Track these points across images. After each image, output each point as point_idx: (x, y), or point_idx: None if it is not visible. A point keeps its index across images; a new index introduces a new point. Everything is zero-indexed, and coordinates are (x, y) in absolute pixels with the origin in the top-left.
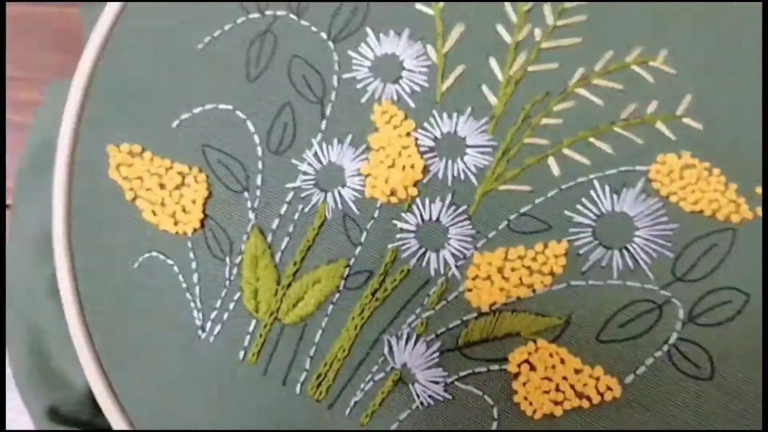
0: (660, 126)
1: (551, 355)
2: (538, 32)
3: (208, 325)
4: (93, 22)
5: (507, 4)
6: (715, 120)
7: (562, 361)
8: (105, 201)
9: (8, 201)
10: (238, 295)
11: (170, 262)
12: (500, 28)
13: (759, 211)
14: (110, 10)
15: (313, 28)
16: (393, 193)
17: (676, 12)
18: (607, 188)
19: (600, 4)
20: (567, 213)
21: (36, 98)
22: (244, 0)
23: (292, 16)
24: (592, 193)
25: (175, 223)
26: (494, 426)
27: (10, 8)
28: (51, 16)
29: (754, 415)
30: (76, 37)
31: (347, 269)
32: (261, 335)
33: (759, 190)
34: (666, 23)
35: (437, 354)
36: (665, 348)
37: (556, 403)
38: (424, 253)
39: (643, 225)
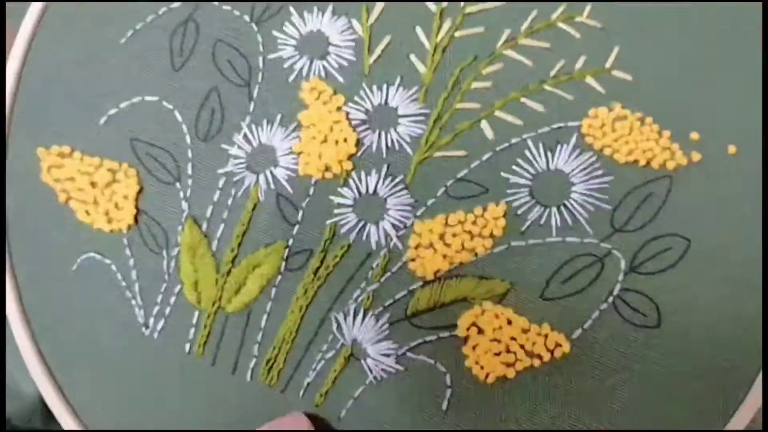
0: (589, 80)
1: (497, 317)
2: None
3: (151, 321)
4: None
5: None
6: (644, 70)
7: (509, 322)
8: (39, 205)
9: None
10: (178, 288)
11: (108, 261)
12: None
13: (694, 156)
14: (32, 11)
15: (235, 12)
16: (327, 168)
17: None
18: (541, 147)
19: None
20: (503, 174)
21: None
22: None
23: (213, 1)
24: (527, 152)
25: (109, 221)
26: (448, 393)
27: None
28: None
29: (702, 360)
30: None
31: (286, 250)
32: (205, 326)
33: (694, 135)
34: None
35: (386, 326)
36: (610, 300)
37: (507, 365)
38: (363, 227)
39: (578, 180)
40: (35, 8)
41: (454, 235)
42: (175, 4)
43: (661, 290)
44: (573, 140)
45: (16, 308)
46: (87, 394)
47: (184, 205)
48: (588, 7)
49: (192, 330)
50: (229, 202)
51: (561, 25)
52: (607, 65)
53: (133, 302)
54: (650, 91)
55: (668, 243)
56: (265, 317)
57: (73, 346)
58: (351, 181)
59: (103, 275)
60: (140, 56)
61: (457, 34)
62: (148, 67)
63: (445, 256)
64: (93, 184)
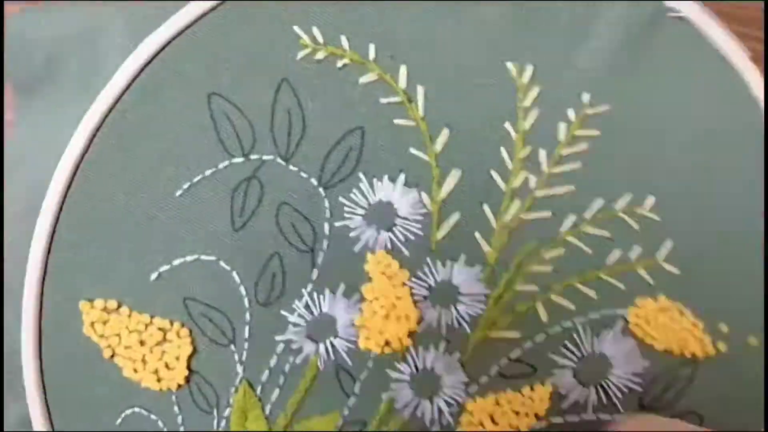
0: (641, 271)
1: None
2: (533, 179)
3: None
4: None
5: (503, 149)
6: (690, 264)
7: None
8: (80, 360)
9: None
10: None
11: (154, 417)
12: (495, 175)
13: (721, 346)
14: (72, 152)
15: (302, 174)
16: (387, 343)
17: (667, 160)
18: (588, 331)
19: (595, 152)
20: (552, 356)
21: None
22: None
23: (279, 160)
24: (575, 336)
25: (158, 380)
26: None
27: (10, 8)
28: None
29: None
30: None
31: (341, 420)
32: None
33: (723, 327)
34: (654, 170)
35: None
36: None
37: None
38: (418, 403)
39: (618, 364)
40: (75, 148)
41: (503, 414)
42: (237, 159)
43: None
44: (618, 326)
45: None
46: None
47: (239, 368)
48: (651, 199)
49: None
50: (286, 368)
51: (622, 215)
52: (661, 258)
53: None
54: (693, 285)
55: (687, 420)
56: None
57: None
58: (409, 356)
59: (149, 429)
60: (197, 212)
61: (524, 216)
62: (206, 224)
63: None
64: (142, 342)
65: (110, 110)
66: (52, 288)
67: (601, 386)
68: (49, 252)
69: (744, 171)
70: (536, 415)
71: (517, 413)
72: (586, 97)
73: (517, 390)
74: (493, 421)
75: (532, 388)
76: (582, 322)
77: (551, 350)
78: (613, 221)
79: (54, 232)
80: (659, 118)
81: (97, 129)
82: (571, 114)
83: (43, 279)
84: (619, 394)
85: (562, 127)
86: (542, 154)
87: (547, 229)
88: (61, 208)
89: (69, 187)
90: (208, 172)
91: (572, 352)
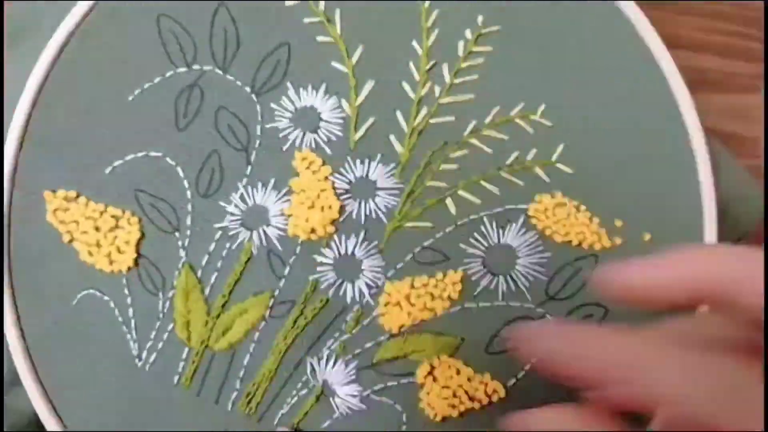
0: (537, 170)
1: (449, 367)
2: (437, 89)
3: (144, 354)
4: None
5: (411, 63)
6: (583, 165)
7: (458, 372)
8: (43, 243)
9: None
10: (171, 326)
11: (106, 298)
12: (405, 85)
13: (617, 240)
14: (42, 63)
15: (238, 82)
16: (313, 231)
17: (554, 71)
18: (494, 224)
19: (490, 65)
20: (462, 246)
21: None
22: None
23: (217, 70)
24: (482, 228)
25: (111, 263)
26: (403, 428)
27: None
28: None
29: None
30: None
31: (272, 300)
32: (193, 361)
33: (618, 222)
34: (545, 82)
35: (354, 371)
36: None
37: (453, 406)
38: (341, 284)
39: (523, 254)
40: (44, 60)
41: (418, 296)
42: (181, 69)
43: None
44: (521, 220)
45: (16, 333)
46: (80, 415)
47: (182, 253)
48: (542, 107)
49: (181, 364)
50: (224, 253)
51: (518, 120)
52: (554, 158)
53: (128, 336)
54: (586, 183)
55: (590, 310)
56: (247, 356)
57: (69, 371)
58: (332, 243)
59: (102, 311)
60: (146, 114)
61: (431, 120)
62: (154, 124)
63: (409, 314)
64: (97, 228)
65: (75, 29)
66: (21, 181)
67: (510, 275)
68: (20, 149)
69: (631, 77)
70: (450, 299)
71: (432, 296)
72: (480, 19)
73: (432, 275)
74: (409, 302)
75: (444, 274)
76: (487, 215)
77: (461, 240)
78: (509, 126)
79: (26, 129)
80: (549, 34)
81: (64, 45)
82: (467, 33)
83: (14, 173)
84: (526, 283)
85: (460, 44)
86: (445, 67)
87: (452, 132)
88: (32, 109)
89: (39, 92)
90: (156, 80)
91: (480, 243)
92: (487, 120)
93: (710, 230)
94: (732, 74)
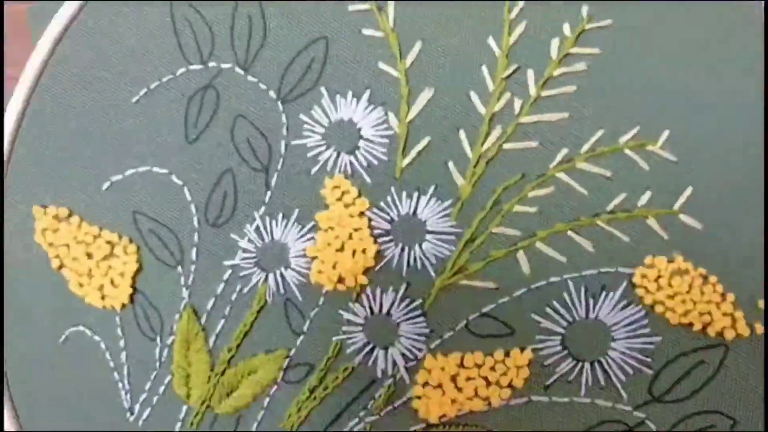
0: (651, 222)
1: None
2: (517, 103)
3: (137, 408)
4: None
5: (484, 66)
6: (717, 220)
7: None
8: (32, 266)
9: None
10: (168, 378)
11: (97, 338)
12: (474, 96)
13: (759, 327)
14: (37, 55)
15: (261, 85)
16: (341, 280)
17: (684, 89)
18: (582, 291)
19: (594, 73)
20: (534, 317)
21: None
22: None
23: (237, 69)
24: (566, 295)
25: (102, 297)
26: None
27: (10, 7)
28: None
29: None
30: None
31: (287, 360)
32: (192, 423)
33: (761, 303)
34: (670, 102)
35: None
36: None
37: None
38: (371, 350)
39: (620, 336)
40: (40, 52)
41: (468, 379)
42: (195, 66)
43: None
44: (621, 289)
45: None
46: None
47: (185, 292)
48: (664, 134)
49: (178, 425)
50: (233, 297)
51: (628, 151)
52: (676, 207)
53: (120, 385)
54: (721, 245)
55: (712, 420)
56: (255, 425)
57: (53, 419)
58: (364, 297)
59: (92, 352)
60: (152, 120)
61: (505, 145)
62: (160, 134)
63: (454, 401)
64: (89, 255)
65: (72, 21)
66: (11, 193)
67: (598, 362)
68: (11, 154)
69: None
70: (511, 387)
71: (487, 381)
72: (584, 10)
73: (489, 353)
74: (455, 385)
75: (507, 353)
76: (574, 278)
77: (534, 309)
78: (616, 158)
79: (16, 135)
80: (679, 33)
81: (64, 32)
82: (566, 28)
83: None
84: (621, 375)
85: (554, 43)
86: (530, 73)
87: (534, 163)
88: (23, 113)
89: (31, 93)
90: (165, 79)
91: (561, 315)
92: (585, 148)
93: None
94: None
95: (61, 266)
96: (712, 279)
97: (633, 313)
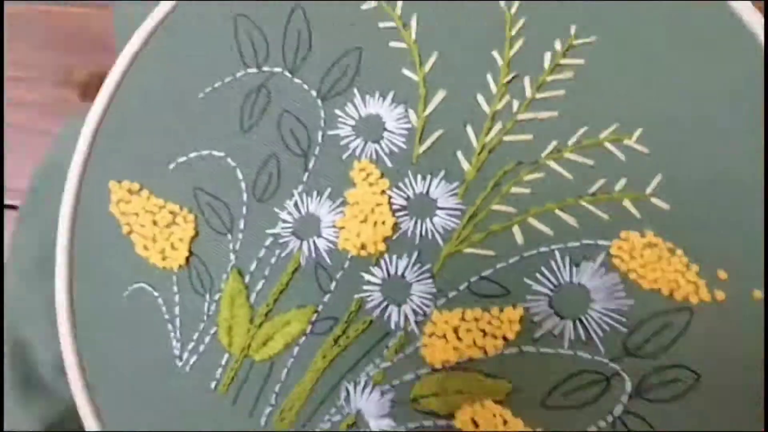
0: (626, 203)
1: (495, 416)
2: (516, 103)
3: (185, 355)
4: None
5: (488, 74)
6: (683, 202)
7: (505, 422)
8: (104, 232)
9: (7, 201)
10: (214, 329)
11: (156, 294)
12: (480, 97)
13: (718, 294)
14: (124, 57)
15: (305, 86)
16: (363, 247)
17: (655, 93)
18: (567, 260)
19: (579, 80)
20: (526, 280)
21: (36, 98)
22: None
23: (286, 73)
24: (552, 263)
25: (164, 259)
26: None
27: (10, 7)
28: (51, 15)
29: None
30: (77, 36)
31: (315, 315)
32: (232, 369)
33: (722, 274)
34: (644, 103)
35: (390, 404)
36: (609, 419)
37: None
38: (386, 306)
39: (599, 298)
40: (126, 54)
41: (468, 331)
42: (252, 70)
43: (663, 419)
44: (600, 258)
45: (67, 317)
46: (116, 408)
47: (232, 256)
48: (638, 130)
49: (220, 370)
50: (273, 260)
51: (608, 144)
52: (647, 191)
53: (172, 335)
54: (685, 223)
55: (677, 374)
56: (285, 371)
57: (111, 361)
58: (382, 261)
59: (150, 306)
60: (214, 112)
61: (505, 137)
62: (220, 123)
63: (455, 349)
64: (154, 223)
65: (157, 27)
66: (92, 169)
67: (580, 320)
68: (94, 139)
69: (742, 106)
70: (505, 339)
71: (484, 333)
72: (573, 28)
73: (486, 309)
74: (457, 335)
75: (501, 310)
76: (560, 249)
77: (525, 274)
78: (597, 150)
79: (101, 121)
80: (647, 49)
81: (147, 40)
82: (557, 44)
83: (86, 162)
84: (599, 332)
85: (547, 55)
86: (526, 80)
87: (528, 153)
88: (110, 102)
89: (120, 84)
90: (227, 80)
91: (548, 279)
92: (571, 141)
93: None
94: None
95: (130, 232)
96: (678, 252)
97: (610, 279)
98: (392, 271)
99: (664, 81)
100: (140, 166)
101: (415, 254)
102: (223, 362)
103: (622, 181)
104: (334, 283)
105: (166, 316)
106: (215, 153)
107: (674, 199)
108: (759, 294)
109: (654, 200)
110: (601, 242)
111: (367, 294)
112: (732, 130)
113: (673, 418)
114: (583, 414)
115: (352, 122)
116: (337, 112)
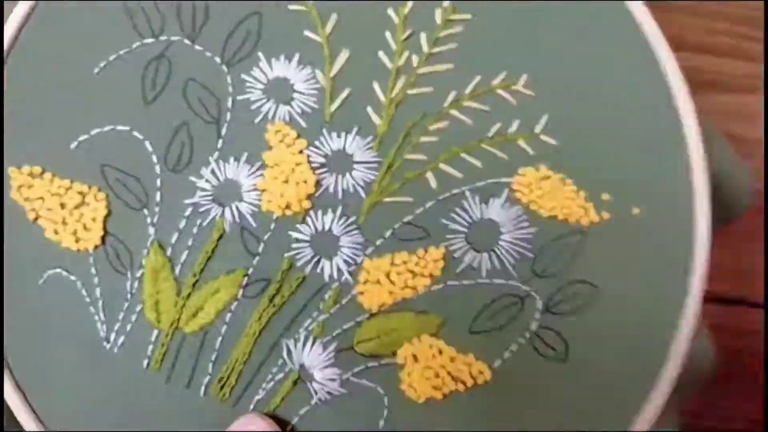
0: (521, 143)
1: (431, 347)
2: (415, 58)
3: (112, 336)
4: None
5: (387, 32)
6: (568, 137)
7: (440, 352)
8: (9, 221)
9: None
10: (139, 307)
11: (73, 277)
12: (382, 55)
13: (605, 214)
14: (6, 33)
15: (207, 53)
16: (288, 206)
17: (537, 41)
18: (477, 198)
19: (469, 33)
20: (443, 221)
21: None
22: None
23: (186, 41)
24: (464, 202)
25: (77, 241)
26: (385, 413)
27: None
28: None
29: (604, 391)
30: None
31: (245, 278)
32: (163, 344)
33: (605, 196)
34: (527, 51)
35: (333, 354)
36: (527, 335)
37: (436, 388)
38: (318, 261)
39: (507, 230)
40: (8, 31)
41: (399, 274)
42: (148, 40)
43: (571, 329)
44: (504, 194)
45: None
46: (52, 404)
47: (151, 230)
48: (524, 77)
49: (150, 347)
50: (195, 230)
51: (499, 91)
52: (537, 130)
53: (96, 318)
54: (572, 156)
55: (579, 289)
56: (219, 339)
57: (36, 353)
58: (309, 219)
59: (69, 291)
60: (113, 87)
61: (409, 91)
62: (120, 97)
63: (390, 292)
64: (62, 205)
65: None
66: None
67: (493, 251)
68: None
69: (619, 46)
70: (432, 276)
71: (413, 273)
72: None
73: (413, 252)
74: (389, 279)
75: (425, 251)
76: (470, 189)
77: (442, 216)
78: (491, 97)
79: None
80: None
81: (27, 18)
82: (445, 1)
83: None
84: (510, 259)
85: (438, 12)
86: (422, 36)
87: (432, 104)
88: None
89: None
90: (122, 52)
91: (462, 218)
92: (468, 90)
93: (701, 206)
94: (732, 74)
95: (36, 218)
96: (568, 181)
97: (515, 212)
98: (320, 227)
99: (545, 30)
100: (40, 149)
101: (340, 208)
102: (153, 339)
103: (516, 123)
104: (262, 245)
105: (87, 299)
106: (119, 128)
107: (560, 136)
108: (637, 210)
109: (543, 137)
110: (503, 179)
111: (297, 251)
112: (607, 70)
113: (579, 327)
114: (505, 333)
115: (261, 86)
116: (244, 76)
